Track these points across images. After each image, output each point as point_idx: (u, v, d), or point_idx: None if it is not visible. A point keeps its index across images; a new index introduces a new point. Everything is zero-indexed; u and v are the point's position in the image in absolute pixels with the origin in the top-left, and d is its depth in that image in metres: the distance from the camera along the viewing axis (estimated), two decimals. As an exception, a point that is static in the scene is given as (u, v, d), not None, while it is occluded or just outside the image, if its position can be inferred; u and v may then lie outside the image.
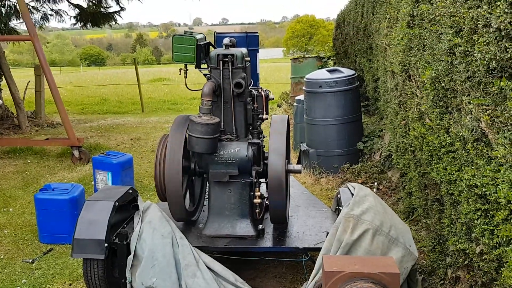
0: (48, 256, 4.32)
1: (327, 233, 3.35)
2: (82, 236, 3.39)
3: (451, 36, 2.35)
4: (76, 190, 4.62)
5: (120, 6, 11.19)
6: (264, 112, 3.58)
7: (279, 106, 10.79)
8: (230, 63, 3.45)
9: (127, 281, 3.33)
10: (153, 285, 3.24)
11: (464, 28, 2.14)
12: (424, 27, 3.14)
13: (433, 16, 2.89)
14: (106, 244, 3.36)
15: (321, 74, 6.10)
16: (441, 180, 3.18)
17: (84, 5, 10.99)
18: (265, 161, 3.54)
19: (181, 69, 3.64)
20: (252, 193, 3.60)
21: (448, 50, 2.43)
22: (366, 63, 6.84)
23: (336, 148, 6.09)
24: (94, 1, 10.92)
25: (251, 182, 3.56)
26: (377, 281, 1.67)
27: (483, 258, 2.70)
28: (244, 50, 3.54)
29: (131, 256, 3.33)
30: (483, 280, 2.89)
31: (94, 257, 3.37)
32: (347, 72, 6.04)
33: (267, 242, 3.55)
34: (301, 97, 7.20)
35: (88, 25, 11.19)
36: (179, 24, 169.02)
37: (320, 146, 6.07)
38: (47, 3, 10.82)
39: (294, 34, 72.87)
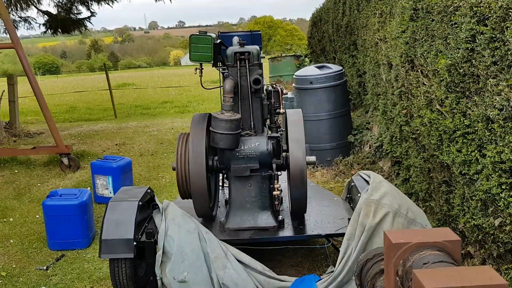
0: (61, 262, 4.29)
1: (349, 219, 3.52)
2: (110, 237, 3.42)
3: (472, 25, 2.56)
4: (84, 194, 4.61)
5: (91, 12, 11.05)
6: (281, 106, 3.71)
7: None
8: (246, 61, 3.55)
9: (157, 278, 3.38)
10: (185, 278, 3.31)
11: (490, 16, 2.35)
12: (431, 19, 3.36)
13: (443, 8, 3.10)
14: (134, 243, 3.41)
15: (311, 70, 6.29)
16: (453, 161, 3.40)
17: (54, 11, 10.78)
18: (283, 154, 3.66)
19: (196, 69, 3.72)
20: (271, 186, 3.72)
21: (469, 38, 2.64)
22: (349, 59, 7.08)
23: (328, 142, 6.29)
24: (63, 8, 10.72)
25: (270, 175, 3.68)
26: (441, 248, 1.82)
27: (503, 229, 2.93)
28: (257, 47, 3.66)
29: (160, 253, 3.39)
30: (500, 251, 3.13)
31: (123, 256, 3.41)
32: (335, 67, 6.25)
33: (289, 231, 3.68)
34: (288, 94, 7.37)
35: (58, 32, 10.98)
36: (134, 29, 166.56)
37: (313, 140, 6.25)
38: (15, 11, 10.55)
39: (253, 35, 73.18)
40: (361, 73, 6.56)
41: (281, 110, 3.70)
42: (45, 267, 4.18)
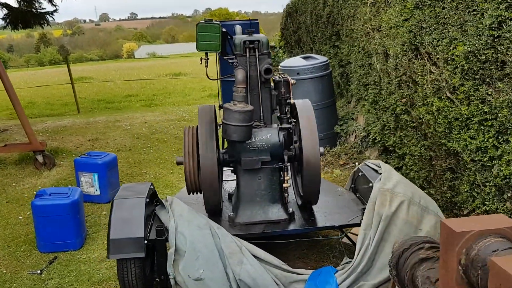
0: (54, 265, 4.06)
1: (363, 210, 3.50)
2: (119, 236, 3.25)
3: (500, 11, 2.56)
4: (75, 193, 4.37)
5: (53, 5, 10.50)
6: (291, 96, 3.62)
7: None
8: (256, 50, 3.45)
9: (170, 277, 3.24)
10: (201, 276, 3.19)
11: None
12: (442, 6, 3.36)
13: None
14: (145, 242, 3.26)
15: (297, 61, 6.23)
16: (465, 148, 3.43)
17: (15, 4, 10.15)
18: (294, 145, 3.59)
19: (202, 58, 3.57)
20: (282, 178, 3.65)
21: (495, 25, 2.65)
22: (330, 50, 7.07)
23: (315, 133, 6.26)
24: (25, 0, 10.13)
25: (280, 167, 3.60)
26: (503, 235, 1.81)
27: (522, 213, 2.99)
28: (266, 36, 3.56)
29: (172, 251, 3.25)
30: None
31: (134, 256, 3.26)
32: (321, 58, 6.22)
33: (301, 224, 3.62)
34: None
35: (19, 27, 10.36)
36: (85, 21, 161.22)
37: (301, 131, 6.20)
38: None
39: (209, 27, 72.50)
40: (344, 63, 6.56)
41: (291, 101, 3.61)
42: (38, 271, 3.93)
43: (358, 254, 3.30)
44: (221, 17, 73.57)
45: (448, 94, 3.49)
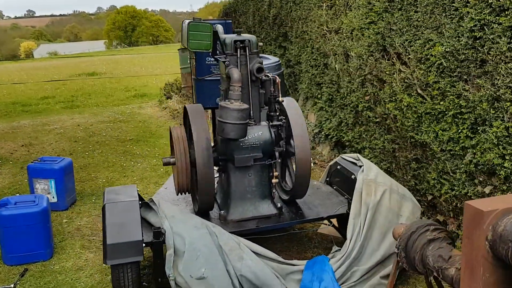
0: (27, 277, 3.82)
1: (349, 199, 3.72)
2: (116, 240, 3.18)
3: (483, 15, 2.90)
4: (43, 200, 4.13)
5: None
6: (279, 95, 3.73)
7: (168, 98, 10.61)
8: (247, 49, 3.51)
9: (170, 278, 3.21)
10: (204, 275, 3.20)
11: (509, 7, 2.70)
12: (415, 10, 3.68)
13: (434, 1, 3.43)
14: (143, 244, 3.21)
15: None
16: (434, 140, 3.78)
17: None
18: (283, 142, 3.71)
19: (190, 58, 3.57)
20: (271, 174, 3.75)
21: (474, 28, 2.99)
22: (277, 50, 7.28)
23: (269, 130, 6.41)
24: None
25: (269, 163, 3.71)
26: (524, 213, 2.10)
27: (494, 195, 3.36)
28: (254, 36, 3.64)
29: (171, 252, 3.22)
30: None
31: (133, 260, 3.21)
32: (273, 58, 6.36)
33: (291, 217, 3.75)
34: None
35: None
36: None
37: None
38: None
39: (116, 25, 70.05)
40: (293, 63, 6.80)
41: (280, 99, 3.72)
42: (12, 285, 3.67)
43: (350, 242, 3.50)
44: (128, 15, 71.33)
45: (419, 91, 3.82)
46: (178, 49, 9.96)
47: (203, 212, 3.71)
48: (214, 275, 3.21)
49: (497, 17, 2.85)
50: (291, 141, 3.66)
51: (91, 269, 3.96)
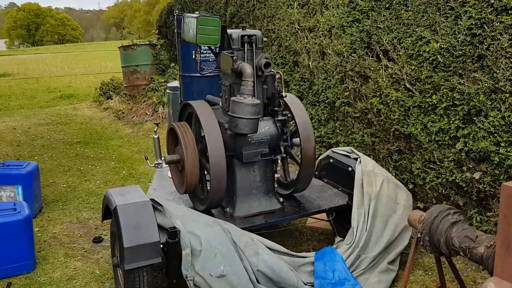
0: (13, 292, 3.51)
1: (344, 191, 3.86)
2: (134, 243, 3.04)
3: (484, 14, 3.16)
4: (24, 207, 3.82)
5: None
6: (283, 90, 3.75)
7: (109, 98, 10.13)
8: (253, 44, 3.51)
9: (188, 279, 3.13)
10: (223, 272, 3.16)
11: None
12: (405, 10, 3.90)
13: (427, 0, 3.67)
14: (161, 246, 3.10)
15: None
16: (422, 131, 4.04)
17: None
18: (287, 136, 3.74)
19: (195, 52, 3.49)
20: (274, 169, 3.78)
21: (472, 26, 3.25)
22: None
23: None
24: None
25: (271, 158, 3.73)
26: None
27: (483, 180, 3.67)
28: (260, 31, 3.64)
29: (187, 252, 3.14)
30: (478, 197, 3.83)
31: (151, 262, 3.10)
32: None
33: (295, 211, 3.80)
34: (174, 83, 7.15)
35: None
36: None
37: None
38: None
39: (17, 23, 65.39)
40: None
41: (284, 93, 3.74)
42: (1, 302, 3.35)
43: (357, 231, 3.63)
44: (31, 13, 66.93)
45: (408, 86, 4.05)
46: (119, 47, 9.58)
47: (212, 208, 3.65)
48: (233, 272, 3.17)
49: (498, 16, 3.12)
50: (294, 136, 3.72)
51: (84, 278, 3.72)
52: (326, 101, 5.21)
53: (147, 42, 9.64)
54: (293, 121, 3.71)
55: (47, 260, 3.98)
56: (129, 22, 76.79)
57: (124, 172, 6.21)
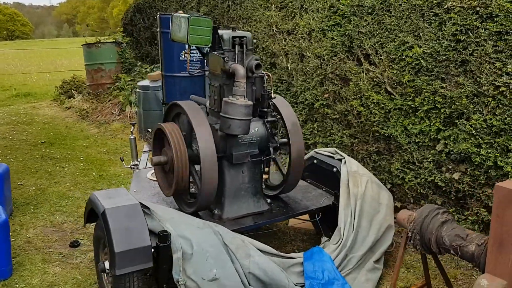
0: (-9, 302, 3.34)
1: (335, 192, 3.91)
2: (125, 248, 2.97)
3: (469, 21, 3.30)
4: (0, 211, 3.62)
5: None
6: (272, 91, 3.75)
7: (71, 97, 9.79)
8: (244, 45, 3.49)
9: (180, 283, 3.08)
10: (216, 276, 3.14)
11: (498, 14, 3.12)
12: (388, 16, 4.00)
13: (412, 6, 3.79)
14: (152, 250, 3.04)
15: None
16: (402, 133, 4.16)
17: None
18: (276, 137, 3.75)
19: (184, 52, 3.44)
20: (263, 170, 3.78)
21: (456, 32, 3.39)
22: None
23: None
24: None
25: (261, 160, 3.73)
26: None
27: (462, 180, 3.82)
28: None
29: (178, 256, 3.09)
30: (451, 199, 4.00)
31: (143, 267, 3.03)
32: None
33: (283, 212, 3.81)
34: (144, 82, 7.03)
35: None
36: None
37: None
38: None
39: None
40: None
41: (272, 95, 3.75)
42: (-21, 312, 3.18)
43: (344, 231, 3.69)
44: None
45: (389, 89, 4.16)
46: (82, 45, 9.29)
47: (202, 210, 3.61)
48: (225, 275, 3.15)
49: (483, 23, 3.26)
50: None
51: (66, 284, 3.59)
52: (304, 103, 5.26)
53: (111, 40, 9.40)
54: (282, 122, 3.73)
55: (23, 266, 3.81)
56: (82, 19, 74.73)
57: (94, 174, 6.03)
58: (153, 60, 9.31)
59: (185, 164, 3.39)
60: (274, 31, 5.55)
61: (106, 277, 3.38)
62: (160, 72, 7.06)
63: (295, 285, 3.38)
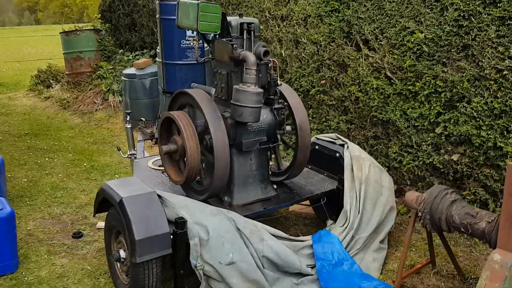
0: (1, 296, 3.29)
1: (339, 177, 3.99)
2: (145, 235, 3.00)
3: (472, 6, 3.40)
4: (5, 204, 3.57)
5: None
6: (278, 79, 3.77)
7: (49, 86, 9.53)
8: (252, 32, 3.50)
9: (198, 269, 3.12)
10: (233, 260, 3.18)
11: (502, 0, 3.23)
12: (391, 1, 4.07)
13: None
14: (171, 236, 3.07)
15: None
16: (400, 117, 4.26)
17: None
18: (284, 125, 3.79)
19: (193, 39, 3.42)
20: (269, 157, 3.81)
21: (459, 17, 3.49)
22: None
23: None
24: None
25: (269, 147, 3.76)
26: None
27: (461, 161, 3.96)
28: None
29: (195, 242, 3.12)
30: (448, 180, 4.14)
31: (163, 253, 3.07)
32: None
33: (290, 197, 3.87)
34: (130, 70, 6.91)
35: None
36: None
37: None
38: None
39: None
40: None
41: (279, 82, 3.77)
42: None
43: (350, 214, 3.78)
44: None
45: (389, 74, 4.24)
46: (60, 33, 9.04)
47: (212, 197, 3.63)
48: (241, 259, 3.20)
49: (486, 9, 3.37)
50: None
51: (76, 275, 3.56)
52: (299, 89, 5.31)
53: (90, 27, 9.17)
54: (288, 109, 3.76)
55: (29, 258, 3.75)
56: (44, 6, 72.36)
57: (85, 164, 5.94)
58: (133, 47, 9.15)
59: (197, 152, 3.39)
60: (267, 17, 5.56)
61: (119, 266, 3.37)
62: (146, 60, 7.00)
63: (307, 267, 3.46)
